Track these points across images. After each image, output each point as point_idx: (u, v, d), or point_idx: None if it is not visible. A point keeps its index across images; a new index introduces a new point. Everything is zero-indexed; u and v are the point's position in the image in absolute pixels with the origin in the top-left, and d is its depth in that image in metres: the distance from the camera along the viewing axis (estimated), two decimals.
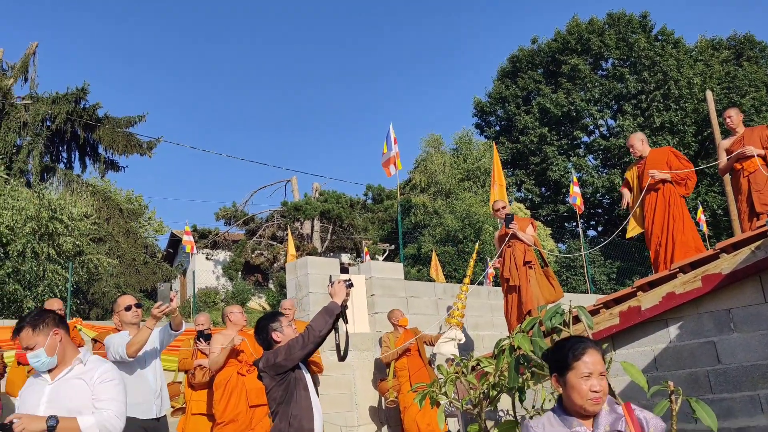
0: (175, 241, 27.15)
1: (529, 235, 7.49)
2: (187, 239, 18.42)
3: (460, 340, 7.54)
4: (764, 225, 4.26)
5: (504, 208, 7.83)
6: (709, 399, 4.94)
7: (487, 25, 66.75)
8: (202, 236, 24.79)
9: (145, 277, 18.47)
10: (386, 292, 8.66)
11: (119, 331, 6.35)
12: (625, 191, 7.40)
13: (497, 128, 30.07)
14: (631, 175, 7.43)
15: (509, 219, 7.48)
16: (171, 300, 4.43)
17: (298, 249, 20.39)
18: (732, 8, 54.82)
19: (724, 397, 4.98)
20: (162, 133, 35.40)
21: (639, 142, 7.33)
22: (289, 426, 3.61)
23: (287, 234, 18.36)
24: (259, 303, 22.35)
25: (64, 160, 21.53)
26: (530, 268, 7.33)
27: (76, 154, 21.63)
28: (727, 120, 7.36)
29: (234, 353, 5.90)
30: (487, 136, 29.97)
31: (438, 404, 5.66)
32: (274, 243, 24.78)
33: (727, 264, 4.95)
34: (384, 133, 10.17)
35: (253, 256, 24.17)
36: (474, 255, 8.73)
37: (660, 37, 27.56)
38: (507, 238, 7.43)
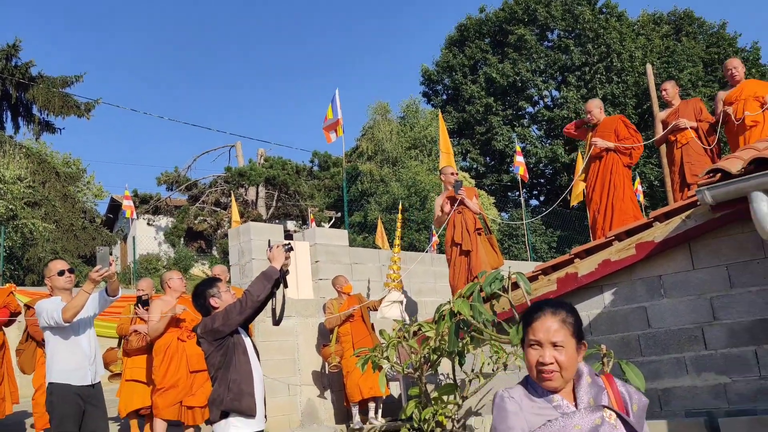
0: (115, 206, 26.45)
1: (475, 204, 7.59)
2: (127, 204, 17.98)
3: (402, 301, 7.64)
4: (694, 195, 4.42)
5: (454, 174, 7.92)
6: (639, 362, 5.15)
7: None
8: (143, 201, 24.21)
9: (84, 243, 17.96)
10: (330, 258, 8.66)
11: (51, 296, 6.19)
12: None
13: (444, 97, 30.15)
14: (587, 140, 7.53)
15: (458, 185, 7.57)
16: (110, 264, 4.33)
17: (242, 215, 20.15)
18: None
19: (653, 360, 5.20)
20: (101, 94, 34.21)
21: (597, 109, 7.48)
22: (228, 390, 3.60)
23: (231, 200, 18.10)
24: (202, 270, 22.06)
25: None
26: (479, 234, 7.46)
27: (8, 114, 20.71)
28: (663, 93, 7.59)
29: (174, 321, 5.83)
30: (434, 104, 30.04)
31: (380, 368, 5.75)
32: (218, 209, 24.41)
33: (659, 232, 5.12)
34: (330, 98, 10.08)
35: (195, 222, 23.78)
36: (399, 218, 8.82)
37: (604, 10, 27.97)
38: (456, 204, 7.51)
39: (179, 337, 5.85)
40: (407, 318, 7.58)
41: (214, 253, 24.20)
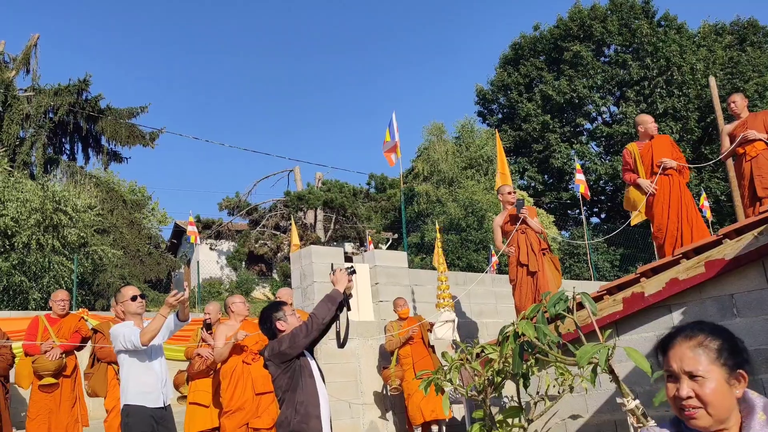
0: (178, 232, 27.22)
1: (537, 223, 7.51)
2: (191, 230, 18.48)
3: (454, 321, 7.60)
4: (766, 210, 4.27)
5: (512, 193, 7.84)
6: None
7: (490, 12, 66.47)
8: (205, 227, 24.85)
9: (150, 268, 18.54)
10: (390, 280, 8.69)
11: (120, 321, 6.43)
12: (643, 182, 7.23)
13: (499, 116, 30.01)
14: (633, 151, 7.31)
15: (520, 204, 7.50)
16: (185, 289, 4.48)
17: (301, 239, 20.43)
18: None
19: None
20: (164, 123, 35.43)
21: (740, 100, 7.32)
22: (295, 413, 3.66)
23: (290, 224, 18.40)
24: (263, 293, 22.42)
25: (67, 152, 21.58)
26: (544, 254, 7.36)
27: (79, 145, 21.69)
28: (732, 105, 7.36)
29: (237, 347, 5.95)
30: (489, 124, 29.93)
31: (443, 391, 5.72)
32: (278, 233, 24.83)
33: (730, 249, 4.97)
34: (386, 121, 10.17)
35: (256, 246, 24.23)
36: (438, 237, 8.77)
37: (663, 22, 27.43)
38: (518, 223, 7.43)
39: (244, 360, 5.96)
40: (458, 337, 7.53)
41: (275, 276, 24.57)
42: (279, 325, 3.92)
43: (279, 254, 24.26)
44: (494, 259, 14.36)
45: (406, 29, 72.03)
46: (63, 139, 21.45)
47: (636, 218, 7.67)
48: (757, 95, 24.24)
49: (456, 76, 69.32)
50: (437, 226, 9.69)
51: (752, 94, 23.98)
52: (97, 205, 17.06)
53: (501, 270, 14.48)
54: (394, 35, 74.61)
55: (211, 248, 25.19)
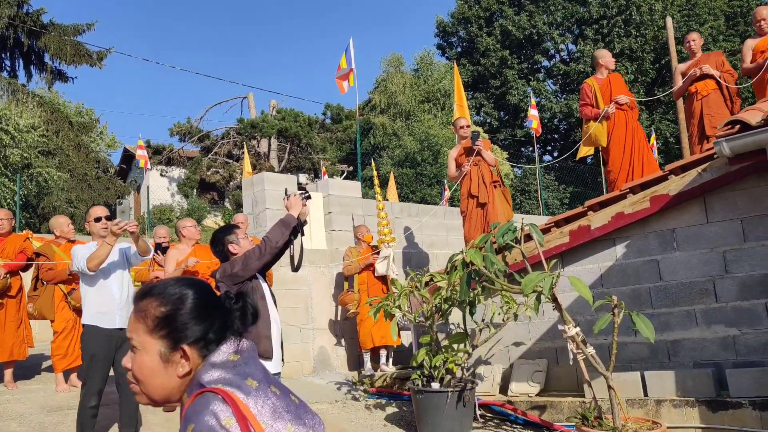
0: (128, 157, 26.54)
1: (491, 156, 7.55)
2: (141, 154, 18.03)
3: (391, 257, 7.71)
4: (712, 148, 4.38)
5: (467, 126, 7.87)
6: (649, 314, 5.20)
7: None
8: (156, 152, 24.25)
9: (98, 193, 18.08)
10: (344, 209, 8.70)
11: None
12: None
13: (459, 50, 29.68)
14: (594, 85, 7.36)
15: (476, 136, 7.52)
16: (131, 218, 4.44)
17: (254, 167, 20.17)
18: None
19: (663, 312, 5.24)
20: (113, 43, 33.95)
21: (698, 38, 7.48)
22: (247, 334, 3.68)
23: (243, 152, 18.11)
24: (214, 221, 22.23)
25: (8, 69, 20.52)
26: (495, 187, 7.44)
27: (21, 62, 20.62)
28: (691, 43, 7.43)
29: (188, 273, 5.90)
30: (448, 57, 29.61)
31: (392, 317, 5.84)
32: (230, 161, 24.44)
33: (674, 185, 5.11)
34: (344, 50, 9.94)
35: (208, 173, 23.85)
36: (375, 175, 8.81)
37: None
38: (473, 156, 7.47)
39: None
40: (394, 272, 7.67)
41: (227, 204, 24.33)
42: (231, 247, 3.90)
43: (231, 183, 23.96)
44: (447, 193, 14.48)
45: None
46: (2, 55, 20.37)
47: (583, 152, 7.79)
48: (711, 39, 24.49)
49: (417, 7, 67.96)
50: (375, 173, 9.66)
51: (707, 38, 24.20)
52: (41, 125, 16.41)
53: (453, 204, 14.63)
54: None
55: (161, 174, 24.69)
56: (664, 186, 5.18)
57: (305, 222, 4.13)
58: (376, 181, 8.58)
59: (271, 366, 3.77)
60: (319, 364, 7.97)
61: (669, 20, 15.50)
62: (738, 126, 3.87)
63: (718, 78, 7.07)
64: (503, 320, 5.75)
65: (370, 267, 7.73)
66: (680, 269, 5.18)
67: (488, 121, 27.75)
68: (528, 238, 5.44)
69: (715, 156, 4.73)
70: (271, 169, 22.61)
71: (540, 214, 16.90)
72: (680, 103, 12.26)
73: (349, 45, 9.79)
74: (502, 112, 28.42)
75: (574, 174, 23.03)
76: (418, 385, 5.37)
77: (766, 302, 4.75)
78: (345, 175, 25.24)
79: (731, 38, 24.95)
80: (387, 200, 15.72)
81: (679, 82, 7.51)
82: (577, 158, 7.87)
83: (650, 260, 5.34)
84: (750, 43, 7.04)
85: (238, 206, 20.48)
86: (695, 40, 7.42)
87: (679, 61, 10.35)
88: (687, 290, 5.14)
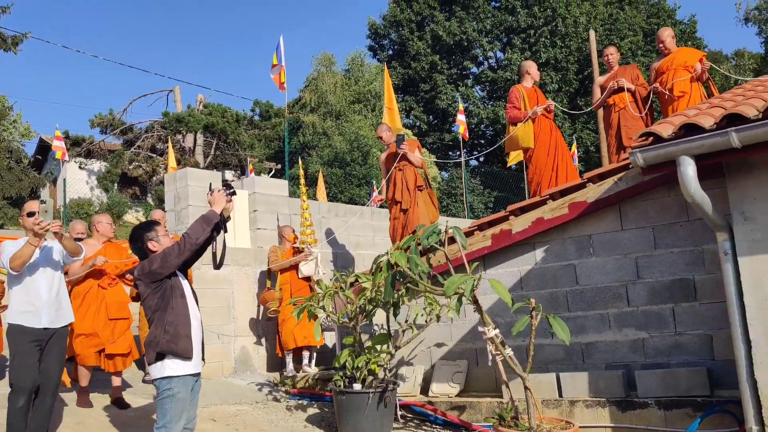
0: (44, 148, 25.38)
1: (418, 157, 7.62)
2: (58, 145, 17.28)
3: (317, 258, 7.70)
4: (627, 158, 4.56)
5: (388, 129, 7.93)
6: (566, 317, 5.37)
7: None
8: (74, 144, 23.31)
9: (9, 184, 17.25)
10: (269, 208, 8.60)
11: None
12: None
13: (390, 52, 29.86)
14: (522, 92, 7.54)
15: (401, 139, 7.56)
16: (48, 216, 4.26)
17: (179, 163, 19.69)
18: None
19: (579, 315, 5.42)
20: (29, 28, 32.34)
21: (616, 52, 7.78)
22: (164, 332, 3.59)
23: (168, 146, 17.63)
24: (135, 217, 21.55)
25: None
26: (420, 191, 7.52)
27: None
28: (609, 57, 7.74)
29: (95, 271, 5.71)
30: (379, 59, 29.74)
31: (315, 317, 5.81)
32: (154, 155, 23.76)
33: (592, 193, 5.30)
34: (275, 47, 9.84)
35: (130, 167, 23.11)
36: (301, 174, 8.82)
37: None
38: (397, 159, 7.51)
39: (100, 285, 5.76)
40: (320, 273, 7.67)
41: (149, 200, 23.65)
42: (150, 245, 3.80)
43: (154, 178, 23.29)
44: (375, 194, 14.53)
45: None
46: None
47: (513, 160, 7.98)
48: (630, 53, 25.54)
49: (350, 7, 67.93)
50: (301, 172, 9.62)
51: (626, 52, 25.25)
52: None
53: (383, 205, 14.69)
54: None
55: (80, 167, 23.74)
56: (583, 193, 5.36)
57: (229, 218, 4.06)
58: (302, 180, 8.53)
59: (191, 366, 3.69)
60: (240, 365, 7.84)
61: (592, 33, 16.07)
62: (651, 138, 4.04)
63: (632, 91, 7.39)
64: (426, 321, 5.82)
65: (295, 267, 7.68)
66: (596, 274, 5.37)
67: (417, 124, 28.03)
68: (452, 240, 5.53)
69: (630, 166, 4.93)
70: (196, 165, 22.11)
71: (465, 217, 17.19)
72: (600, 113, 12.74)
73: (279, 43, 9.70)
74: (431, 116, 28.77)
75: (498, 179, 23.56)
76: (340, 386, 5.36)
77: (673, 307, 4.99)
78: (272, 173, 24.96)
79: (649, 53, 26.09)
80: (316, 200, 15.67)
81: (597, 94, 7.81)
82: (508, 165, 8.07)
83: (568, 265, 5.52)
84: (654, 65, 7.42)
85: (161, 202, 19.91)
86: (612, 54, 7.74)
87: (600, 73, 10.79)
88: (602, 294, 5.33)
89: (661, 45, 7.31)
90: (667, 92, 6.99)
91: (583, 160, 24.61)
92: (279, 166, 25.16)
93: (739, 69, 28.89)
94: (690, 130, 3.88)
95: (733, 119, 3.75)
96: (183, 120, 22.80)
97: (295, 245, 7.79)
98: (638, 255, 5.17)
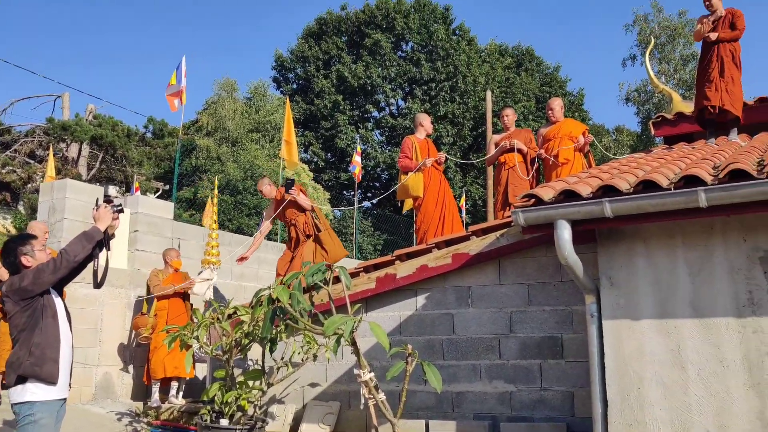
0: None
1: (306, 201, 7.43)
2: None
3: (213, 281, 7.49)
4: (510, 216, 4.77)
5: (270, 185, 7.60)
6: (440, 364, 5.46)
7: None
8: None
9: None
10: (152, 229, 8.28)
11: None
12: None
13: (294, 86, 29.94)
14: (414, 143, 7.75)
15: (289, 184, 7.33)
16: None
17: (58, 172, 18.62)
18: (522, 21, 60.01)
19: (453, 364, 5.54)
20: None
21: (512, 114, 8.23)
22: (29, 354, 3.33)
23: (49, 153, 16.66)
24: (3, 224, 20.07)
25: None
26: (308, 237, 7.41)
27: None
28: (505, 118, 8.17)
29: None
30: (283, 91, 29.72)
31: (188, 347, 5.59)
32: (32, 162, 22.36)
33: (475, 246, 5.48)
34: (176, 66, 9.62)
35: (3, 171, 21.58)
36: (215, 196, 8.67)
37: (458, 32, 29.29)
38: (283, 206, 7.28)
39: None
40: (212, 297, 7.44)
41: (20, 208, 22.12)
42: (24, 260, 3.55)
43: (29, 185, 21.86)
44: (264, 224, 14.32)
45: None
46: None
47: (408, 206, 8.15)
48: (522, 117, 26.96)
49: (257, 36, 67.64)
50: (216, 183, 9.43)
51: (519, 115, 26.63)
52: None
53: (270, 237, 14.50)
54: None
55: None
56: (466, 245, 5.53)
57: (113, 236, 3.87)
58: (213, 200, 8.23)
59: (55, 392, 3.42)
60: (102, 392, 7.39)
61: (489, 94, 16.89)
62: (533, 200, 4.26)
63: (524, 153, 7.80)
64: (303, 360, 5.74)
65: (178, 294, 7.40)
66: (472, 325, 5.52)
67: (315, 160, 28.09)
68: (337, 280, 5.53)
69: (513, 224, 5.15)
70: (78, 177, 20.98)
71: (353, 258, 17.26)
72: (491, 169, 13.31)
73: (181, 63, 9.49)
74: (329, 154, 28.93)
75: (390, 222, 23.91)
76: (206, 420, 5.16)
77: (541, 363, 5.20)
78: (159, 193, 24.09)
79: (539, 119, 27.64)
80: (202, 225, 15.22)
81: (491, 151, 8.18)
82: (403, 212, 8.22)
83: (446, 313, 5.64)
84: (542, 131, 7.91)
85: (33, 211, 18.68)
86: (509, 115, 8.18)
87: (494, 132, 11.33)
88: (476, 345, 5.48)
89: (550, 112, 7.80)
90: (552, 158, 7.43)
91: (470, 213, 25.48)
92: (167, 186, 24.34)
93: (618, 144, 31.16)
94: (569, 196, 4.12)
95: (608, 190, 4.02)
96: (69, 128, 21.66)
97: (176, 269, 7.53)
98: (513, 310, 5.37)
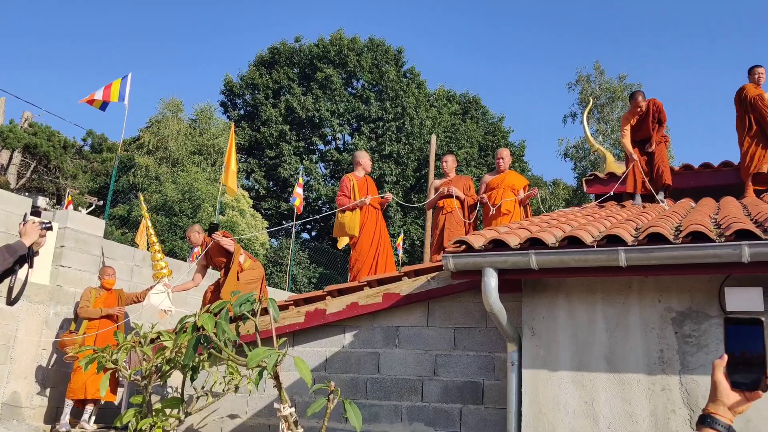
0: None
1: (230, 243, 7.35)
2: None
3: (166, 292, 7.34)
4: (441, 260, 4.87)
5: (199, 232, 7.52)
6: (362, 403, 5.45)
7: (261, 8, 65.83)
8: None
9: None
10: (79, 246, 8.03)
11: None
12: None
13: (242, 112, 29.84)
14: (353, 182, 7.86)
15: (213, 228, 7.41)
16: None
17: None
18: (471, 70, 61.67)
19: (375, 404, 5.54)
20: None
21: (452, 161, 8.44)
22: None
23: None
24: None
25: None
26: (238, 279, 7.35)
27: None
28: (444, 164, 8.37)
29: None
30: (229, 117, 29.55)
31: (106, 370, 5.42)
32: None
33: (406, 287, 5.55)
34: (123, 80, 9.44)
35: None
36: (147, 223, 8.56)
37: (408, 74, 29.89)
38: (205, 249, 7.30)
39: None
40: (173, 309, 7.32)
41: None
42: None
43: None
44: (197, 249, 14.09)
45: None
46: None
47: (342, 242, 8.19)
48: (465, 162, 27.54)
49: (207, 59, 67.06)
50: (143, 204, 9.27)
51: (461, 161, 27.20)
52: None
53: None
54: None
55: None
56: (397, 285, 5.59)
57: (37, 253, 3.75)
58: (144, 215, 8.07)
59: None
60: (7, 412, 7.04)
61: (433, 138, 17.21)
62: (464, 246, 4.36)
63: (461, 199, 7.99)
64: (224, 390, 5.64)
65: (110, 317, 7.22)
66: (397, 365, 5.55)
67: (256, 187, 27.90)
68: (265, 311, 5.48)
69: (444, 268, 5.25)
70: (6, 185, 20.22)
71: (286, 289, 17.10)
72: (430, 212, 13.51)
73: (127, 78, 9.37)
74: (271, 182, 28.79)
75: (327, 256, 23.84)
76: None
77: (461, 407, 5.26)
78: (92, 208, 23.41)
79: (481, 166, 28.31)
80: (136, 244, 14.85)
81: (431, 194, 8.35)
82: (340, 247, 8.28)
83: (373, 352, 5.66)
84: (487, 178, 8.16)
85: None
86: (448, 161, 8.39)
87: (436, 176, 11.55)
88: (399, 386, 5.51)
89: (501, 161, 8.06)
90: (493, 207, 7.65)
91: (408, 253, 25.68)
92: (102, 202, 23.69)
93: (554, 197, 32.08)
94: (498, 245, 4.25)
95: (535, 243, 4.16)
96: (2, 134, 20.94)
97: (107, 288, 7.36)
98: (438, 353, 5.43)
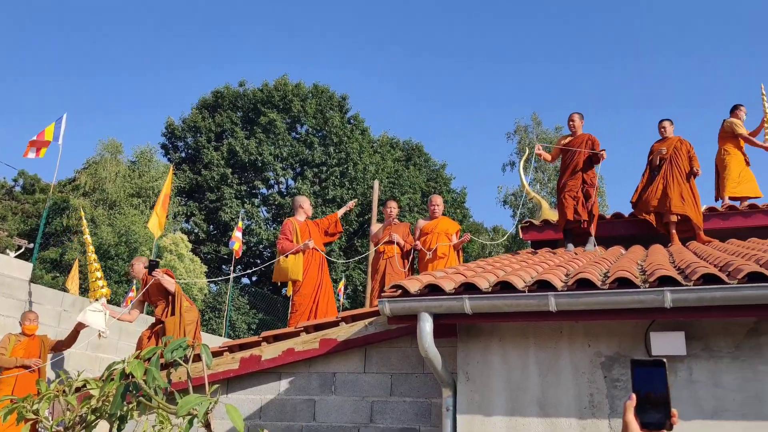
0: None
1: (171, 283, 7.22)
2: None
3: (105, 312, 7.07)
4: (377, 306, 4.87)
5: (144, 267, 7.38)
6: None
7: (204, 51, 65.65)
8: None
9: None
10: (3, 290, 7.72)
11: None
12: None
13: (183, 154, 29.51)
14: (295, 225, 7.86)
15: (153, 265, 7.14)
16: None
17: None
18: (414, 118, 62.80)
19: None
20: None
21: (395, 207, 8.59)
22: None
23: None
24: None
25: None
26: (173, 314, 7.20)
27: None
28: (389, 209, 8.47)
29: None
30: (170, 159, 29.18)
31: (26, 421, 5.16)
32: None
33: (343, 332, 5.51)
34: (56, 119, 9.23)
35: None
36: (90, 247, 8.36)
37: (352, 121, 30.25)
38: (145, 286, 7.13)
39: None
40: (107, 332, 7.04)
41: None
42: None
43: None
44: (132, 293, 13.70)
45: (119, 29, 66.88)
46: None
47: (291, 288, 8.15)
48: (408, 208, 27.82)
49: (148, 101, 66.10)
50: (87, 239, 9.02)
51: (404, 206, 27.47)
52: None
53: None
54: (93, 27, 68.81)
55: None
56: (334, 331, 5.56)
57: None
58: (84, 225, 7.84)
59: None
60: None
61: (376, 183, 17.31)
62: (400, 291, 4.39)
63: (401, 246, 8.08)
64: None
65: (27, 367, 6.90)
66: (333, 413, 5.47)
67: (195, 231, 27.45)
68: (198, 358, 5.35)
69: (380, 313, 5.26)
70: None
71: (223, 335, 16.72)
72: (371, 258, 13.54)
73: (61, 119, 9.17)
74: (211, 226, 28.39)
75: (267, 301, 23.49)
76: None
77: None
78: (21, 251, 22.54)
79: (423, 211, 28.61)
80: (66, 289, 14.31)
81: (373, 241, 8.42)
82: (288, 294, 8.22)
83: (309, 399, 5.57)
84: (421, 223, 8.32)
85: None
86: (393, 208, 8.51)
87: (378, 221, 11.64)
88: None
89: (436, 207, 8.24)
90: (428, 252, 7.76)
91: (350, 298, 25.56)
92: (32, 245, 22.84)
93: (494, 244, 32.63)
94: (434, 290, 4.29)
95: (469, 287, 4.22)
96: None
97: (29, 334, 7.05)
98: (375, 399, 5.39)
